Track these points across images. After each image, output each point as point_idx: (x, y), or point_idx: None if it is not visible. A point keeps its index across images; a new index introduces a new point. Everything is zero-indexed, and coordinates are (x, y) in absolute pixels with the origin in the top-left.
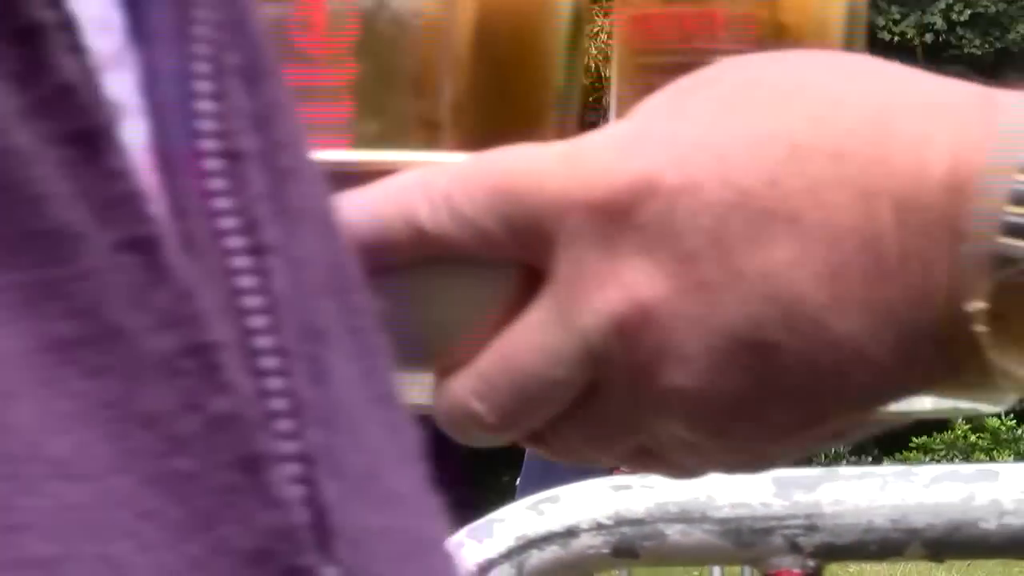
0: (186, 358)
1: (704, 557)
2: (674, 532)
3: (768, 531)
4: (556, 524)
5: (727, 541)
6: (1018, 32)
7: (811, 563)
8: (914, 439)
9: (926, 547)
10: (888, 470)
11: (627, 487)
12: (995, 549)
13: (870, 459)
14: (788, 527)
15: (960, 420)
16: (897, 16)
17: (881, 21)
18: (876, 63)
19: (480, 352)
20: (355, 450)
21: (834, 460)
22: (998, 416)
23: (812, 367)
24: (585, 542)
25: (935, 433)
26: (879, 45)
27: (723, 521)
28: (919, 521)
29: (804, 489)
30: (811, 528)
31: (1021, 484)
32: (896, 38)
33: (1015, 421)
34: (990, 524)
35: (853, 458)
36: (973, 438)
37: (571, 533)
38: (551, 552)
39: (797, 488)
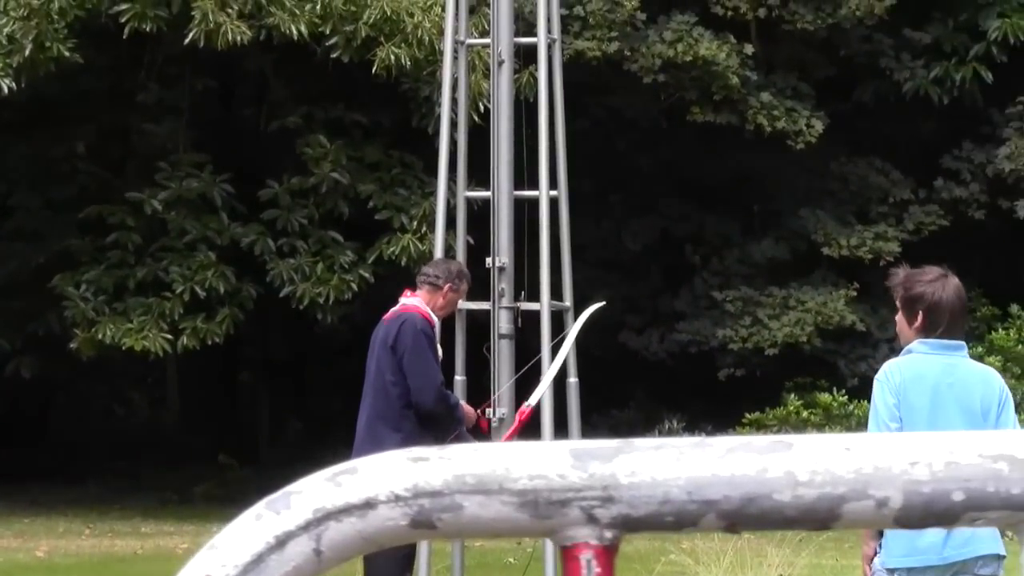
0: None
1: (502, 529)
2: (472, 504)
3: (565, 503)
4: (354, 496)
5: (525, 513)
6: (850, 7)
7: (608, 534)
8: (747, 415)
9: (722, 518)
10: (684, 442)
11: (425, 459)
12: (789, 520)
13: (703, 434)
14: (585, 499)
15: (793, 396)
16: None
17: None
18: None
19: None
20: None
21: (668, 435)
22: (830, 392)
23: None
24: (383, 514)
25: (768, 409)
26: (713, 20)
27: (520, 493)
28: (714, 493)
29: (601, 461)
30: (608, 500)
31: (814, 456)
32: (729, 13)
33: (847, 397)
34: (784, 496)
35: (687, 434)
36: (805, 414)
37: (369, 505)
38: (349, 524)
39: (594, 460)
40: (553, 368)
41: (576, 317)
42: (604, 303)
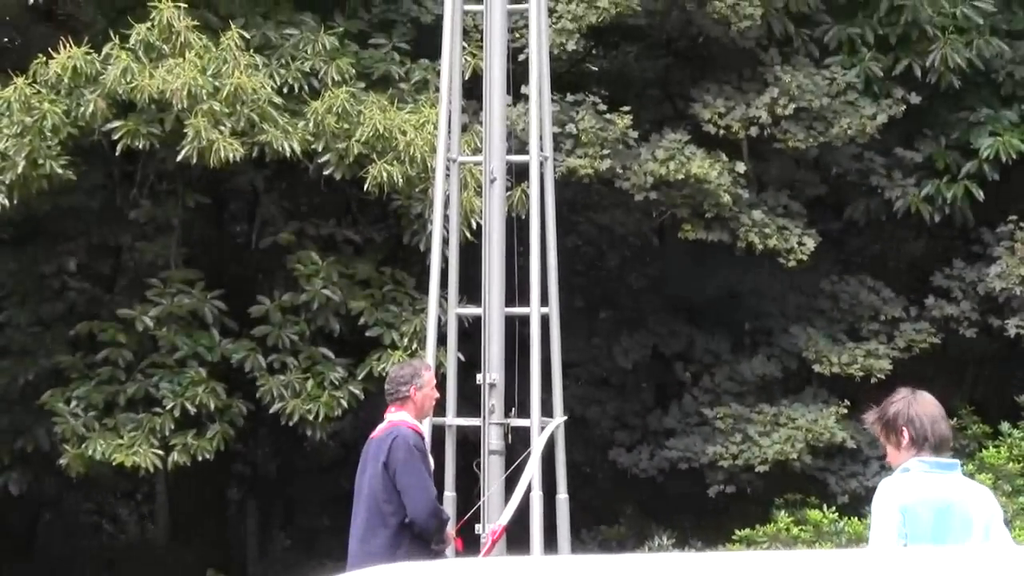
0: None
1: None
2: None
3: None
4: None
5: None
6: (841, 126)
7: None
8: (737, 531)
9: None
10: (671, 557)
11: None
12: None
13: (693, 551)
14: None
15: (783, 513)
16: (722, 109)
17: (707, 114)
18: None
19: None
20: None
21: (658, 551)
22: (821, 509)
23: None
24: None
25: (758, 525)
26: (704, 139)
27: None
28: None
29: None
30: None
31: (801, 574)
32: (721, 131)
33: (837, 514)
34: None
35: (677, 550)
36: (796, 531)
37: None
38: None
39: None
40: (521, 486)
41: (555, 432)
42: (566, 417)
